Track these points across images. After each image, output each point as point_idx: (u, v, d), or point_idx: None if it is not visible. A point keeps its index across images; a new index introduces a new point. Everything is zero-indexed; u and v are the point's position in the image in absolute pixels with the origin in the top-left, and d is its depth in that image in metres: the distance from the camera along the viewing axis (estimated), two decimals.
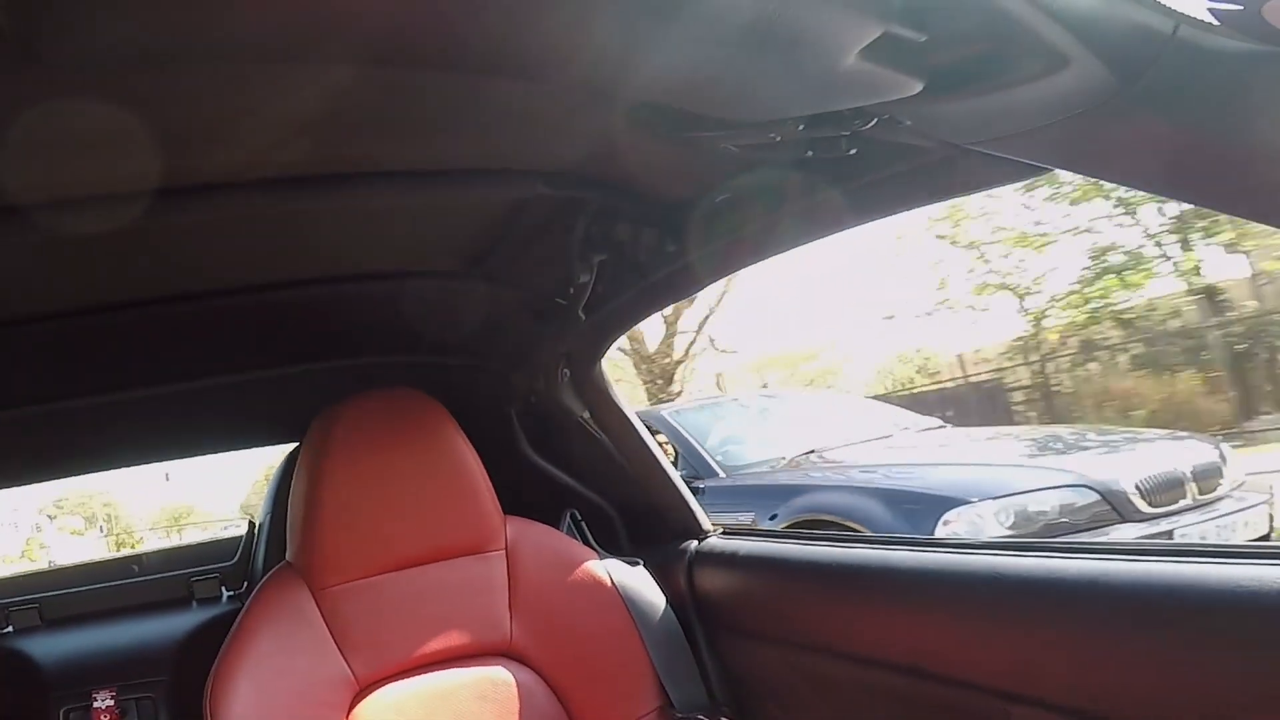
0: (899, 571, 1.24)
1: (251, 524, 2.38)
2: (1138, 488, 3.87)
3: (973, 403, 14.06)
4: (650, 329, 14.89)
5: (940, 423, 6.05)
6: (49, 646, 2.09)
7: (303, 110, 0.99)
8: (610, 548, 1.74)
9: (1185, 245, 11.53)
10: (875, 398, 9.88)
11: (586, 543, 1.72)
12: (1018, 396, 13.90)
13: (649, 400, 14.25)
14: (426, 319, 1.82)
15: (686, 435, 5.34)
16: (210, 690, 1.30)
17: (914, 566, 1.21)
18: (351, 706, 1.39)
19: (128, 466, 2.40)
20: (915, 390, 17.08)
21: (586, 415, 1.87)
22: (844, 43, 0.68)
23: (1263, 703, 0.80)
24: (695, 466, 5.11)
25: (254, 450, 2.60)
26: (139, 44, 0.68)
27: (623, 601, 1.54)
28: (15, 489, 2.33)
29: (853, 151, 0.92)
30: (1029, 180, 1.04)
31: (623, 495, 1.90)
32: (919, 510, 3.93)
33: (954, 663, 1.12)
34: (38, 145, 0.95)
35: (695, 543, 1.71)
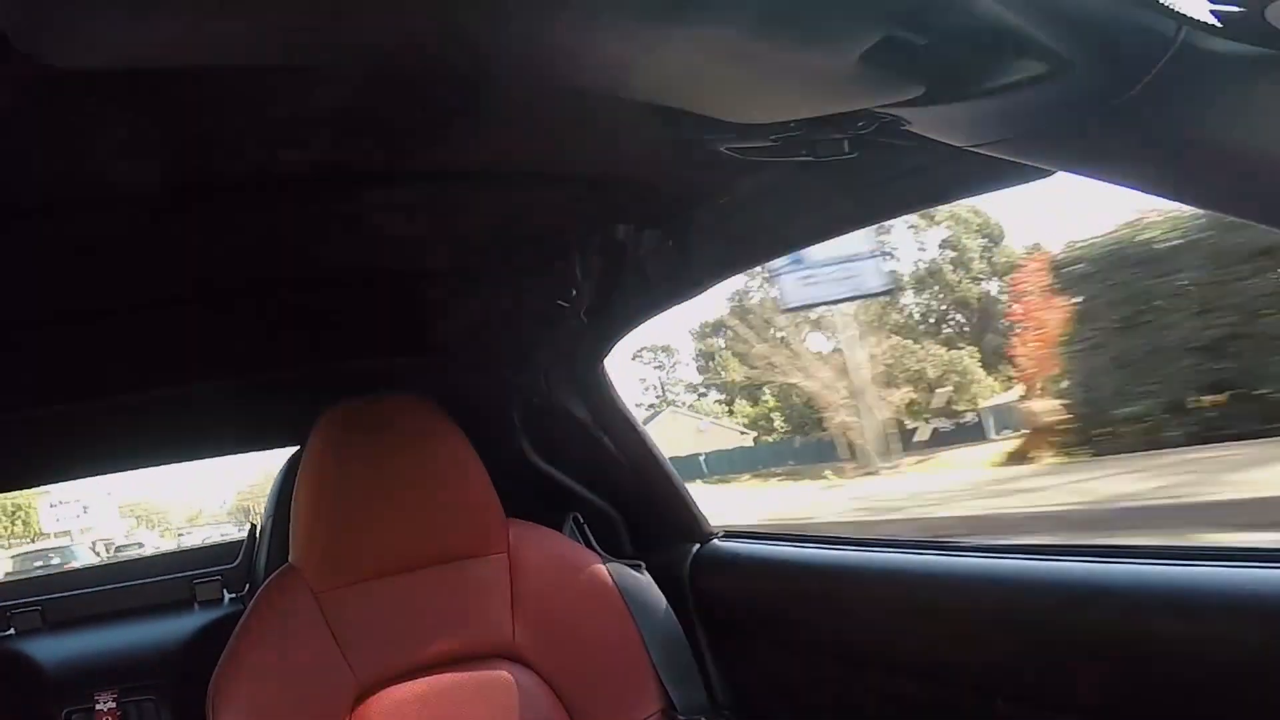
0: (901, 574, 1.23)
1: (253, 527, 2.38)
2: None
3: None
4: None
5: None
6: (51, 649, 2.09)
7: (306, 113, 0.99)
8: (613, 550, 1.74)
9: None
10: None
11: (589, 545, 1.72)
12: None
13: None
14: (429, 321, 1.82)
15: None
16: (213, 692, 1.30)
17: (917, 569, 1.21)
18: (354, 708, 1.39)
19: (128, 470, 2.40)
20: None
21: (588, 417, 1.87)
22: (846, 44, 0.67)
23: (1258, 703, 0.80)
24: None
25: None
26: (144, 48, 0.68)
27: (625, 604, 1.53)
28: (15, 492, 2.34)
29: (854, 154, 0.92)
30: (1030, 182, 1.03)
31: (625, 498, 1.90)
32: None
33: (956, 664, 1.12)
34: (41, 148, 0.95)
35: (698, 545, 1.71)
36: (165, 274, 1.46)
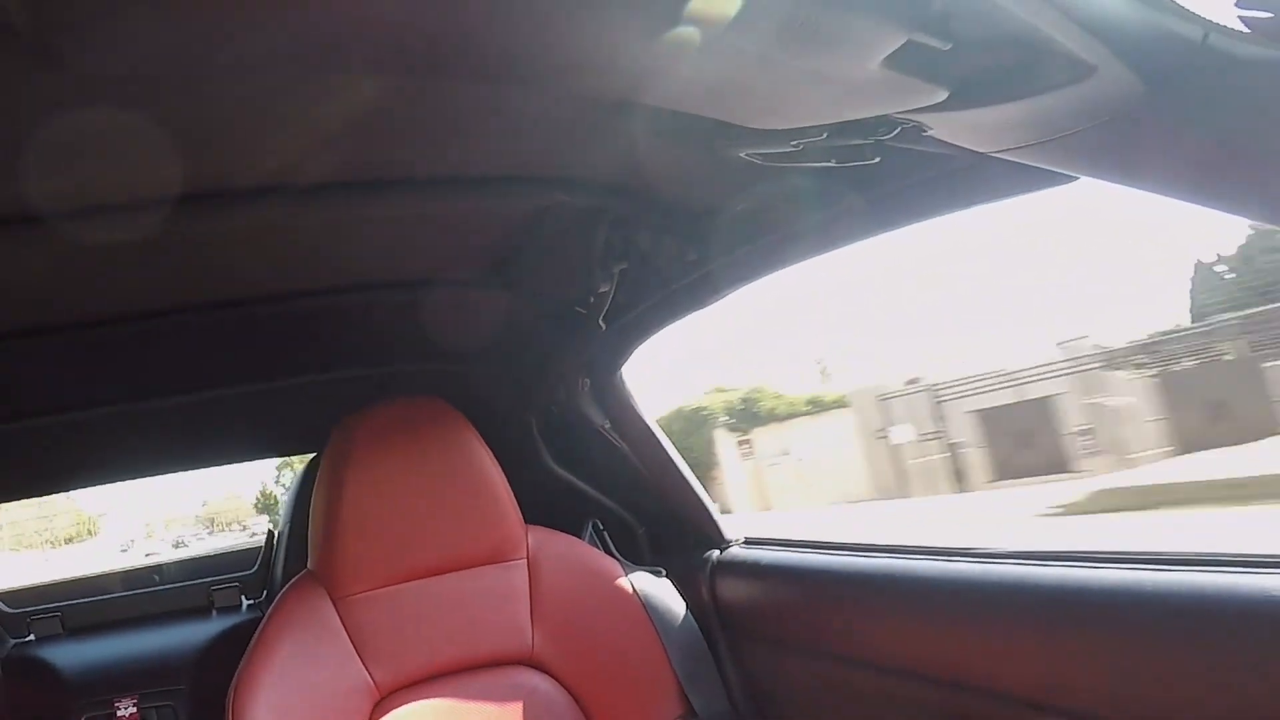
0: (924, 580, 1.23)
1: (271, 533, 2.39)
2: None
3: None
4: None
5: None
6: (71, 655, 2.10)
7: (326, 118, 1.00)
8: (632, 557, 1.74)
9: None
10: None
11: (608, 552, 1.71)
12: None
13: None
14: (447, 327, 1.82)
15: None
16: (232, 699, 1.31)
17: (939, 575, 1.20)
18: (373, 715, 1.39)
19: (146, 477, 2.41)
20: None
21: (607, 424, 1.87)
22: (868, 50, 0.67)
23: None
24: None
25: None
26: (163, 52, 0.68)
27: (645, 611, 1.53)
28: (34, 499, 2.35)
29: (876, 160, 0.92)
30: (1053, 188, 1.02)
31: (644, 505, 1.89)
32: None
33: (980, 672, 1.11)
34: (59, 152, 0.95)
35: (717, 552, 1.70)
36: (183, 280, 1.47)
